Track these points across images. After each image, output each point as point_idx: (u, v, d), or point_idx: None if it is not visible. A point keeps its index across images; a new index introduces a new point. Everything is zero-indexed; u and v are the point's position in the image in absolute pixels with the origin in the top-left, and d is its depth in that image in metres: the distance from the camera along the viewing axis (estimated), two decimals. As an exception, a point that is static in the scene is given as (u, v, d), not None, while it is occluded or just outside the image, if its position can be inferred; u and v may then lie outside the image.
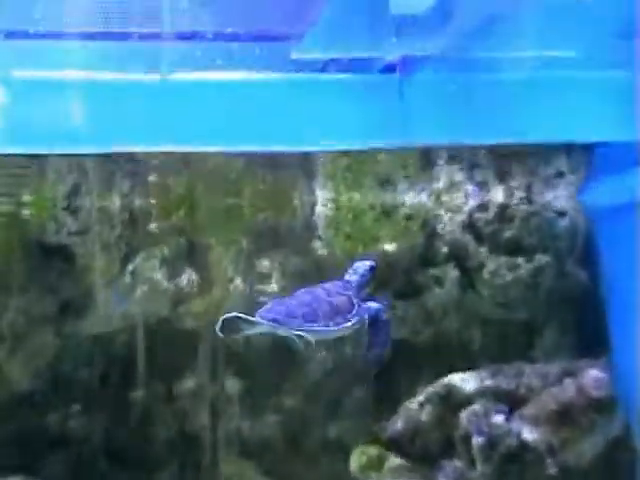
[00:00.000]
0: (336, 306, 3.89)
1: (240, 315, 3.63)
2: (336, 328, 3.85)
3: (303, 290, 3.92)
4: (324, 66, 3.73)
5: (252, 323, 3.66)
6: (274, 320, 3.70)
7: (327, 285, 3.98)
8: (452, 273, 6.44)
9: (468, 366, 6.09)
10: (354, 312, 3.92)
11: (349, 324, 3.88)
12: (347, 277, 4.09)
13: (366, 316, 4.01)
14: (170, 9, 3.65)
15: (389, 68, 3.69)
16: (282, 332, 3.74)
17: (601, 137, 3.96)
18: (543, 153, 5.76)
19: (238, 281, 6.46)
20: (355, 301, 3.95)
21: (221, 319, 3.62)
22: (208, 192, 6.39)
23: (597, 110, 3.85)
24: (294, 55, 3.84)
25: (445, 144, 4.03)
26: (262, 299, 6.43)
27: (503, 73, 3.79)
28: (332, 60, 3.71)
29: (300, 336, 3.71)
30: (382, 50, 3.65)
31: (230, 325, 3.66)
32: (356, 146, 3.92)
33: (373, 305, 4.06)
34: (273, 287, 6.45)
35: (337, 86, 3.84)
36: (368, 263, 4.12)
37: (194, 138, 3.97)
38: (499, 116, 3.83)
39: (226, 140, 3.97)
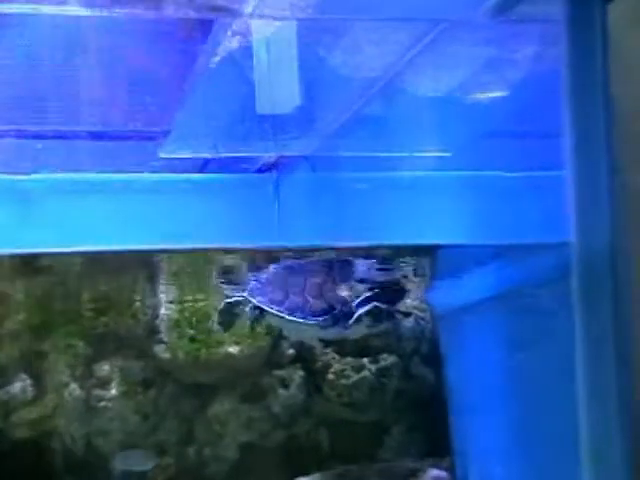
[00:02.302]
0: (309, 305, 4.96)
1: None
2: (289, 317, 4.97)
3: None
4: (202, 165, 3.66)
5: None
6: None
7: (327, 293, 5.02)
8: (298, 375, 6.41)
9: (316, 468, 6.06)
10: (322, 317, 4.98)
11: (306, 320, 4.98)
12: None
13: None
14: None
15: (266, 168, 3.66)
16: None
17: (465, 240, 3.99)
18: (387, 253, 5.83)
19: (74, 386, 6.24)
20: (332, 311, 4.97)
21: None
22: (44, 296, 6.18)
23: (463, 212, 3.88)
24: (162, 154, 3.73)
25: (317, 246, 4.00)
26: (102, 404, 6.24)
27: (375, 173, 3.81)
28: (210, 159, 3.64)
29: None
30: (257, 149, 3.60)
31: None
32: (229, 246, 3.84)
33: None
34: (112, 392, 6.26)
35: (210, 186, 3.77)
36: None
37: (43, 241, 3.75)
38: (370, 217, 3.83)
39: (82, 242, 3.78)
